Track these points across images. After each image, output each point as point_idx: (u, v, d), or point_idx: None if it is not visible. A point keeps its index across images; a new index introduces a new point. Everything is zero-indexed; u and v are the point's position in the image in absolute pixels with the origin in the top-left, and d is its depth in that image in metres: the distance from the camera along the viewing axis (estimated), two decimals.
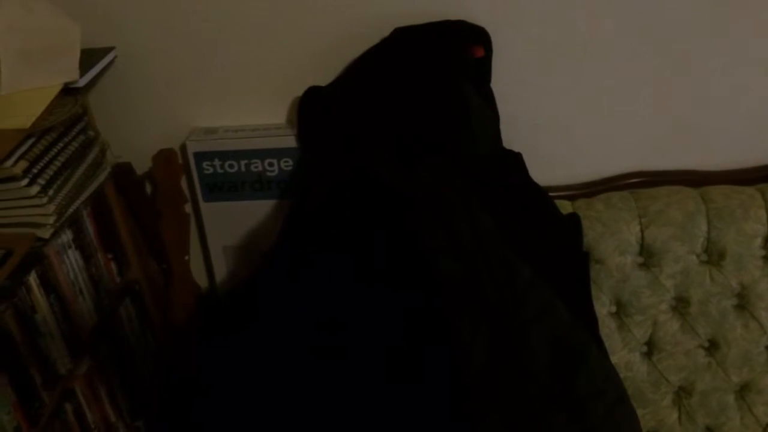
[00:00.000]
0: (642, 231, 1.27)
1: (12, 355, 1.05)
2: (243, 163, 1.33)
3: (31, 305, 1.09)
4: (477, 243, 0.98)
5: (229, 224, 1.40)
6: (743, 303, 1.28)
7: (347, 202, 1.03)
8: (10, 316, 1.04)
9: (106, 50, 1.25)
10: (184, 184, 1.42)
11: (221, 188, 1.36)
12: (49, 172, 1.09)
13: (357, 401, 0.92)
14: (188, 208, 1.44)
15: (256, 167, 1.33)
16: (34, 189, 1.06)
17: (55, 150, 1.13)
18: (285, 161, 1.33)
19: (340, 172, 1.09)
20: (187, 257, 1.46)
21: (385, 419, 0.87)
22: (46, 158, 1.10)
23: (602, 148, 1.38)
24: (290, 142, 1.31)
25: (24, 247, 1.07)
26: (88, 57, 1.19)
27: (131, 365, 1.42)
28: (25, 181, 1.04)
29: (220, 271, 1.47)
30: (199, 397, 1.14)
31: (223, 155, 1.32)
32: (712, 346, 1.30)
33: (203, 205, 1.38)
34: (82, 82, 1.13)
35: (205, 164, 1.33)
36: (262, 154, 1.32)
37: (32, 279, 1.09)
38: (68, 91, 1.16)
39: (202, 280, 1.55)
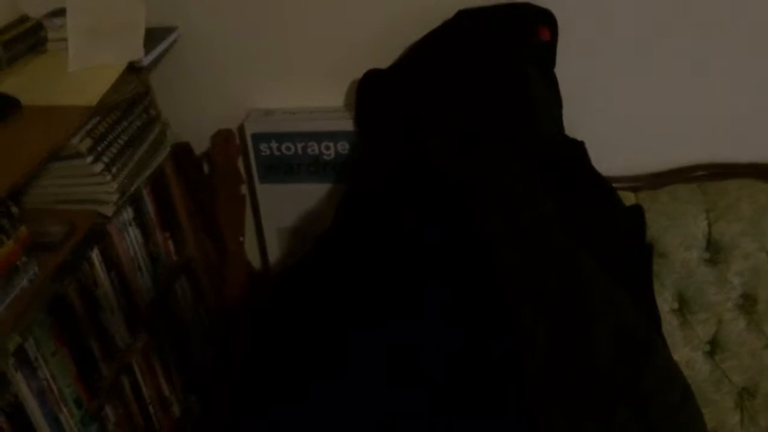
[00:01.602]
0: (709, 225, 1.22)
1: (74, 329, 1.07)
2: (299, 145, 1.33)
3: (93, 280, 1.12)
4: (539, 231, 0.95)
5: (284, 206, 1.40)
6: None
7: (406, 187, 1.02)
8: (74, 290, 1.06)
9: (169, 30, 1.26)
10: (241, 165, 1.43)
11: (277, 170, 1.36)
12: (113, 150, 1.11)
13: (417, 391, 0.91)
14: (244, 189, 1.45)
15: (312, 150, 1.33)
16: (99, 166, 1.08)
17: (119, 129, 1.14)
18: (341, 144, 1.32)
19: (399, 156, 1.07)
20: (242, 238, 1.47)
21: (447, 413, 0.86)
22: (111, 136, 1.12)
23: (669, 138, 1.33)
24: (347, 125, 1.30)
25: (87, 224, 1.09)
26: (152, 36, 1.21)
27: (185, 341, 1.45)
28: (90, 159, 1.06)
29: (273, 252, 1.47)
30: (249, 376, 1.15)
31: (280, 137, 1.32)
32: None
33: (259, 187, 1.39)
34: (146, 61, 1.14)
35: (262, 146, 1.33)
36: (319, 136, 1.31)
37: (95, 255, 1.11)
38: (132, 69, 1.17)
39: (255, 261, 1.56)
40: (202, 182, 1.43)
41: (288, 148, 1.33)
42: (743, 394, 1.28)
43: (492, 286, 0.91)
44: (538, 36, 1.18)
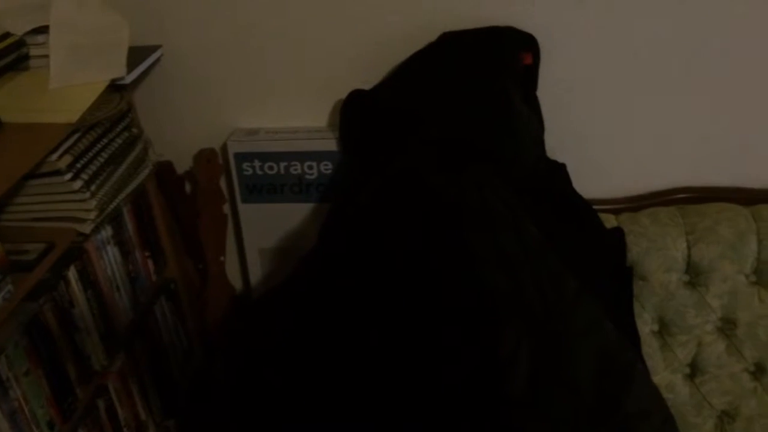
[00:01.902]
0: (689, 248, 1.23)
1: (49, 349, 1.05)
2: (282, 165, 1.32)
3: (70, 299, 1.10)
4: (523, 253, 0.95)
5: (266, 226, 1.40)
6: None
7: (392, 208, 1.02)
8: (49, 309, 1.04)
9: (153, 48, 1.26)
10: (223, 184, 1.42)
11: (260, 190, 1.35)
12: (93, 167, 1.10)
13: (397, 410, 0.90)
14: (226, 208, 1.44)
15: (295, 170, 1.33)
16: (77, 184, 1.06)
17: (100, 146, 1.13)
18: (325, 164, 1.32)
19: (385, 176, 1.08)
20: (222, 258, 1.46)
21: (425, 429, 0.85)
22: (90, 154, 1.10)
23: (650, 161, 1.34)
24: (331, 145, 1.30)
25: (65, 242, 1.08)
26: (135, 54, 1.20)
27: (164, 364, 1.42)
28: (69, 176, 1.05)
29: (255, 273, 1.46)
30: (228, 399, 1.13)
31: (264, 156, 1.32)
32: (759, 371, 1.26)
33: (241, 207, 1.38)
34: (128, 79, 1.14)
35: (245, 165, 1.33)
36: (302, 156, 1.31)
37: (71, 274, 1.09)
38: (115, 88, 1.16)
39: (236, 281, 1.55)
40: (184, 201, 1.42)
41: (271, 168, 1.33)
42: (723, 418, 1.28)
43: (476, 306, 0.91)
44: (520, 60, 1.20)
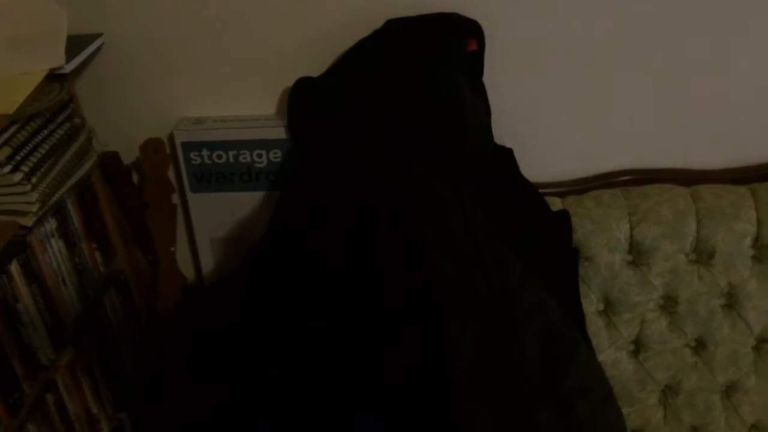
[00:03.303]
0: (631, 229, 1.27)
1: None
2: (231, 153, 1.31)
3: (13, 294, 1.07)
4: (469, 238, 0.97)
5: (217, 215, 1.39)
6: (731, 303, 1.29)
7: (340, 194, 1.02)
8: None
9: (94, 37, 1.23)
10: (171, 174, 1.40)
11: (209, 179, 1.34)
12: (33, 159, 1.08)
13: (344, 398, 0.91)
14: (175, 198, 1.43)
15: (244, 158, 1.32)
16: (17, 176, 1.04)
17: (40, 137, 1.11)
18: (274, 153, 1.31)
19: (332, 164, 1.08)
20: (173, 248, 1.45)
21: (371, 417, 0.86)
22: (30, 145, 1.08)
23: (593, 145, 1.37)
24: (280, 133, 1.29)
25: (6, 236, 1.05)
26: (76, 43, 1.17)
27: (115, 356, 1.41)
28: (7, 168, 1.02)
29: (207, 263, 1.45)
30: (182, 390, 1.13)
31: (212, 146, 1.31)
32: (699, 346, 1.31)
33: (190, 196, 1.37)
34: (68, 68, 1.11)
35: (192, 154, 1.32)
36: (251, 145, 1.31)
37: (14, 268, 1.07)
38: (54, 77, 1.13)
39: (188, 271, 1.54)
40: (132, 192, 1.40)
41: (219, 157, 1.32)
42: (666, 392, 1.33)
43: (421, 292, 0.92)
44: (465, 46, 1.21)
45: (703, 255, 1.27)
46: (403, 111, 1.15)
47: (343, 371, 0.92)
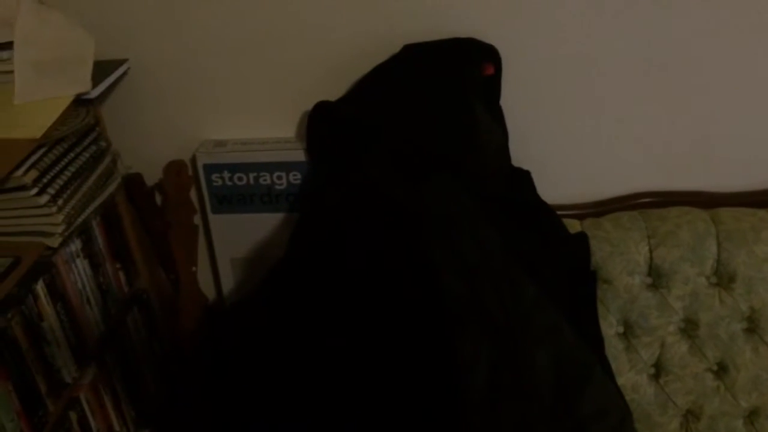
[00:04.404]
0: (651, 252, 1.26)
1: (18, 363, 1.05)
2: (252, 175, 1.34)
3: (38, 313, 1.10)
4: (482, 260, 0.97)
5: (237, 236, 1.41)
6: (753, 327, 1.27)
7: (355, 215, 1.03)
8: (17, 323, 1.05)
9: (119, 62, 1.27)
10: (193, 195, 1.43)
11: (230, 200, 1.37)
12: (59, 181, 1.11)
13: (359, 413, 0.92)
14: (197, 219, 1.45)
15: (264, 180, 1.34)
16: (44, 198, 1.07)
17: (66, 160, 1.14)
18: (294, 175, 1.33)
19: (348, 187, 1.09)
20: (194, 268, 1.47)
21: None
22: (57, 168, 1.11)
23: (612, 168, 1.37)
24: (299, 156, 1.31)
25: (32, 256, 1.08)
26: (102, 69, 1.21)
27: (137, 374, 1.43)
28: (34, 191, 1.05)
29: (228, 283, 1.47)
30: (203, 408, 1.14)
31: (233, 168, 1.33)
32: (721, 370, 1.29)
33: (212, 217, 1.39)
34: (94, 93, 1.15)
35: (214, 176, 1.34)
36: (271, 167, 1.33)
37: (40, 287, 1.10)
38: (81, 102, 1.17)
39: (209, 291, 1.56)
40: (155, 213, 1.43)
41: (240, 179, 1.34)
42: (688, 417, 1.31)
43: (435, 314, 0.93)
44: (482, 71, 1.22)
45: (723, 278, 1.26)
46: (419, 134, 1.17)
47: (359, 387, 0.93)
